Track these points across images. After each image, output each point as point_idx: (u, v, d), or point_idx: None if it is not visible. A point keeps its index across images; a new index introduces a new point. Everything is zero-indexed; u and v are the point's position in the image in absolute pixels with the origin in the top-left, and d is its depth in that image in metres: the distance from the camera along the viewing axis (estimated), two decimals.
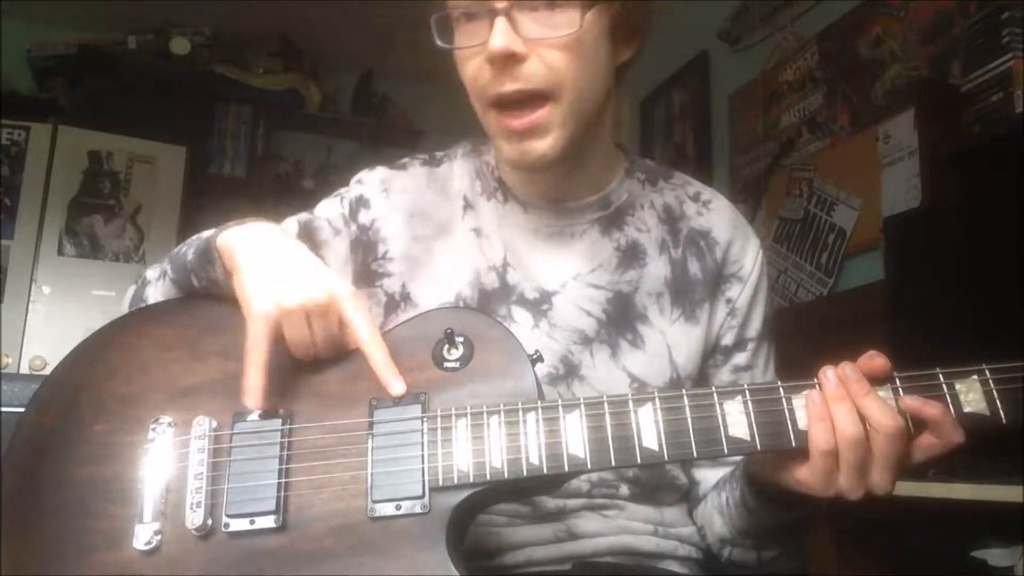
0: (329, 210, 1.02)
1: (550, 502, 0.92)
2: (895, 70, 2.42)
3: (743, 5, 3.08)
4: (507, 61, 0.84)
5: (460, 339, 0.79)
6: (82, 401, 0.80)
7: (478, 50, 0.86)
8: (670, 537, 0.96)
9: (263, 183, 3.77)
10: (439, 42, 0.89)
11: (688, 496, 1.01)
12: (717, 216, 1.02)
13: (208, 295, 0.86)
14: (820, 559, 1.96)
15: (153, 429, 0.78)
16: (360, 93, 3.99)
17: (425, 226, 0.99)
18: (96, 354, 0.83)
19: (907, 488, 1.65)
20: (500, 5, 0.83)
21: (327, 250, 0.99)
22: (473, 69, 0.87)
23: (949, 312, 1.81)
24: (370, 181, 1.03)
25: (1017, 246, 1.67)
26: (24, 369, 2.94)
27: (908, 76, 2.37)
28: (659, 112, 3.61)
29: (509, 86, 0.85)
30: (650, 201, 1.02)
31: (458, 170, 1.04)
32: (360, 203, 1.01)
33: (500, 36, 0.82)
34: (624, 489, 0.94)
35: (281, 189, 3.83)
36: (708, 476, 0.99)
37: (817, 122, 2.73)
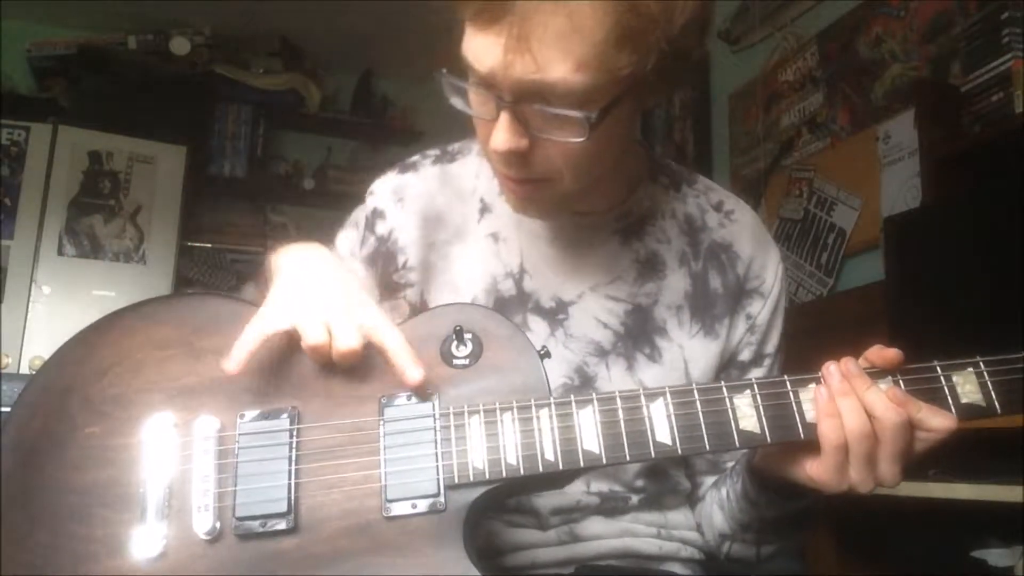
0: (345, 242, 1.02)
1: (554, 506, 0.92)
2: (895, 70, 2.42)
3: (743, 5, 3.08)
4: (511, 156, 0.78)
5: (469, 336, 0.79)
6: (72, 403, 0.77)
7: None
8: (673, 540, 0.96)
9: (263, 183, 3.78)
10: (450, 100, 0.81)
11: (690, 498, 1.01)
12: (740, 228, 0.98)
13: (200, 293, 0.87)
14: (820, 559, 1.96)
15: (152, 430, 0.75)
16: (360, 93, 3.99)
17: (441, 231, 0.98)
18: (84, 354, 0.79)
19: (907, 488, 1.65)
20: (505, 99, 0.75)
21: None
22: (483, 129, 0.81)
23: (949, 312, 1.81)
24: (382, 191, 1.00)
25: (1017, 246, 1.67)
26: (24, 369, 2.94)
27: (908, 76, 2.37)
28: (659, 112, 3.61)
29: (515, 173, 0.81)
30: (672, 210, 0.98)
31: (474, 168, 1.00)
32: (376, 215, 0.99)
33: (503, 136, 0.76)
34: (634, 499, 0.94)
35: (281, 189, 3.84)
36: (707, 476, 0.98)
37: (817, 122, 2.73)
